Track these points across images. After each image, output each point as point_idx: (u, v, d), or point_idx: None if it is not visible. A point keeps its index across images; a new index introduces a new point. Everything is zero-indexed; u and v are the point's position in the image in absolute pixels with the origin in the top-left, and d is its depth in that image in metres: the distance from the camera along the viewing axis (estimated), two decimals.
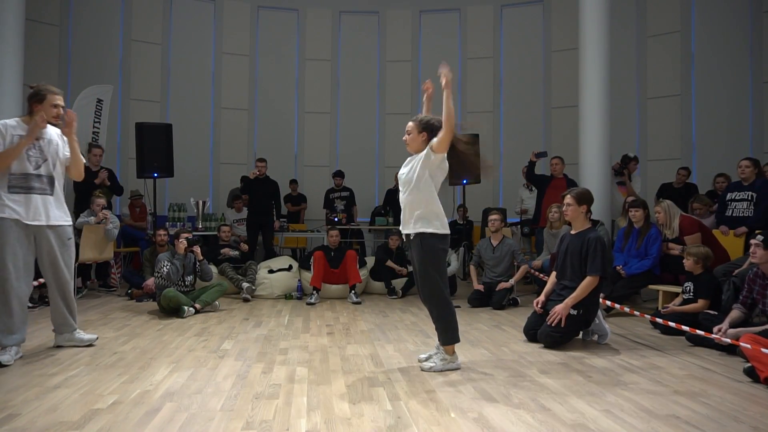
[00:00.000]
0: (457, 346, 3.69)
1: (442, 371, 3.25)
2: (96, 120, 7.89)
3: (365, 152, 10.35)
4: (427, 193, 3.22)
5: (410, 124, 3.37)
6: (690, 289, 4.42)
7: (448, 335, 3.29)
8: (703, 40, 8.63)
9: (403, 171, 3.37)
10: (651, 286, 5.24)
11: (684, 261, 4.48)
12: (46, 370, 3.19)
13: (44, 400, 2.67)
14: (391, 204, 9.13)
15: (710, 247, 4.67)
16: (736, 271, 4.33)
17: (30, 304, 5.23)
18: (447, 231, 3.25)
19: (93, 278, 6.66)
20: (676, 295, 4.70)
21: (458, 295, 6.29)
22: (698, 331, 3.75)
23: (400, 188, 3.37)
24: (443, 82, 3.07)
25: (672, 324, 3.99)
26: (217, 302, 5.37)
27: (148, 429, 2.33)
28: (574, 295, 3.82)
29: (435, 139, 3.19)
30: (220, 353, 3.66)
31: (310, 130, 10.35)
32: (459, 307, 5.60)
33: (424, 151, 3.23)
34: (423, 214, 3.21)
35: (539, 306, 4.08)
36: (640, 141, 9.07)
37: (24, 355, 3.52)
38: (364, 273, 6.44)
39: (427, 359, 3.35)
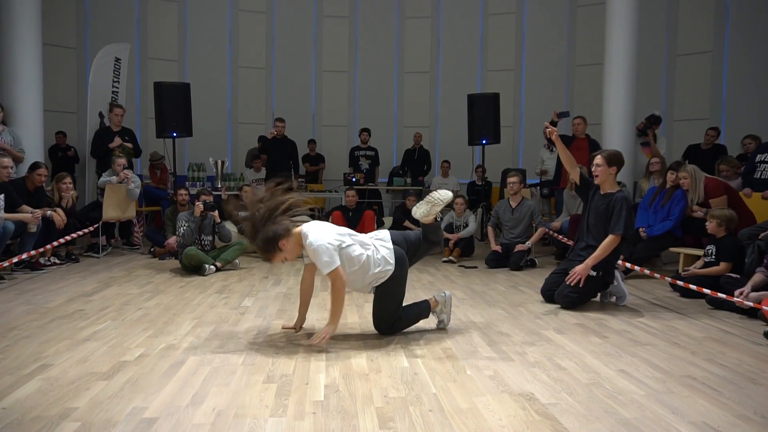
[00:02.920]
0: (475, 306, 3.71)
1: (449, 318, 3.32)
2: (115, 79, 7.90)
3: (384, 112, 10.23)
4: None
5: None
6: (712, 252, 4.36)
7: (422, 317, 3.25)
8: None
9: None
10: (672, 249, 5.18)
11: (707, 224, 4.40)
12: (76, 324, 3.31)
13: (75, 352, 2.78)
14: (409, 164, 9.08)
15: (736, 209, 4.56)
16: (762, 235, 4.24)
17: (58, 261, 5.42)
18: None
19: (117, 236, 6.81)
20: (698, 257, 4.63)
21: (476, 256, 6.30)
22: (719, 294, 3.71)
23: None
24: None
25: (693, 287, 3.95)
26: (237, 261, 5.47)
27: (173, 380, 2.42)
28: (594, 254, 3.79)
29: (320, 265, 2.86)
30: (241, 310, 3.74)
31: (328, 89, 10.24)
32: (476, 267, 5.63)
33: None
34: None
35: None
36: (667, 100, 8.80)
37: (54, 310, 3.65)
38: None
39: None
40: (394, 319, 3.14)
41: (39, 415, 2.04)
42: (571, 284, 3.81)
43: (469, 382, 2.45)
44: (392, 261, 3.03)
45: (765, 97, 8.02)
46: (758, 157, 5.43)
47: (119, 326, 3.28)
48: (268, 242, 2.81)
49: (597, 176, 3.93)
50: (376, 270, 2.99)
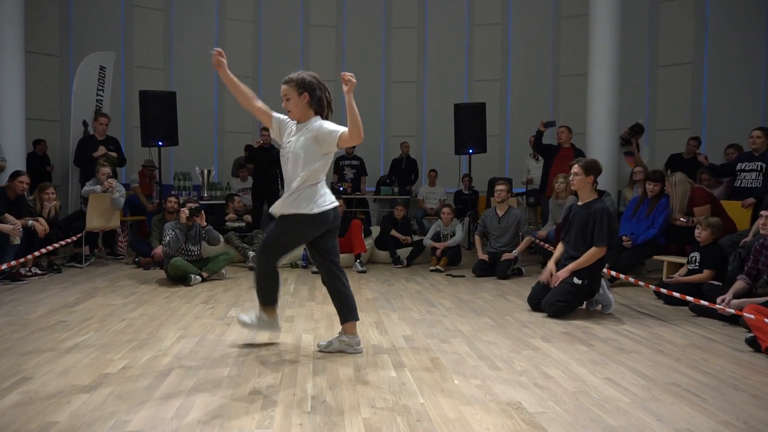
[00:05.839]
0: (462, 315, 3.70)
1: (256, 329, 3.13)
2: (99, 88, 7.83)
3: (371, 121, 10.23)
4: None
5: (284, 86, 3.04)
6: (696, 259, 4.42)
7: (267, 296, 3.15)
8: (717, 4, 8.39)
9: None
10: (656, 257, 5.24)
11: (699, 233, 4.44)
12: (57, 336, 3.25)
13: (56, 364, 2.73)
14: (396, 173, 9.11)
15: (719, 218, 4.64)
16: (743, 241, 4.32)
17: (39, 271, 5.33)
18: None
19: (100, 246, 6.72)
20: (681, 265, 4.69)
21: (463, 264, 6.31)
22: (702, 302, 3.76)
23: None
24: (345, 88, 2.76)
25: (676, 294, 4.00)
26: (223, 270, 5.42)
27: (157, 393, 2.38)
28: (578, 261, 3.85)
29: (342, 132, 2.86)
30: (227, 320, 3.71)
31: None
32: (464, 276, 5.64)
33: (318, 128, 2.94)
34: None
35: (547, 276, 4.06)
36: (650, 110, 8.93)
37: (35, 321, 3.58)
38: (369, 242, 6.47)
39: (326, 345, 3.05)
40: (262, 252, 3.13)
41: (18, 430, 2.00)
42: (552, 286, 3.91)
43: (457, 391, 2.45)
44: (315, 209, 2.88)
45: (745, 106, 8.18)
46: (738, 166, 5.53)
47: (102, 337, 3.23)
48: (302, 82, 2.96)
49: (574, 184, 4.01)
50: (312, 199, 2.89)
